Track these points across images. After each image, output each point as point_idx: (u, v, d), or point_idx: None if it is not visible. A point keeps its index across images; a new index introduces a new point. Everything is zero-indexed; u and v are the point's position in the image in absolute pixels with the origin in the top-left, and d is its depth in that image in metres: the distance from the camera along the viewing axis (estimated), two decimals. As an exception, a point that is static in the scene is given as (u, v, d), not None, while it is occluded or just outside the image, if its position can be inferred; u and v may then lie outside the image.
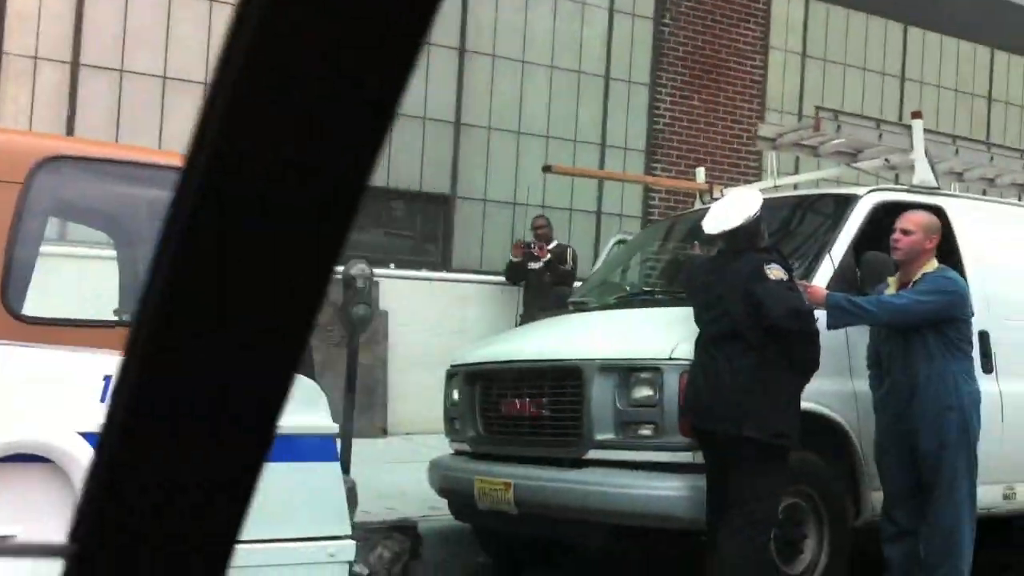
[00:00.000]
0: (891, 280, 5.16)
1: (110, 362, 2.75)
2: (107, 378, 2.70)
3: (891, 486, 5.09)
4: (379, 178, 10.10)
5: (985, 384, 5.49)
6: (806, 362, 4.73)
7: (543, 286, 9.45)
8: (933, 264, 5.10)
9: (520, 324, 9.45)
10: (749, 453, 4.56)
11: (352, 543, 2.95)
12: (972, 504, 4.98)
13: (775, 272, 4.66)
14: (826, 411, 5.15)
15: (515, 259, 9.75)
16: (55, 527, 2.54)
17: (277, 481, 2.84)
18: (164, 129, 9.13)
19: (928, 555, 4.90)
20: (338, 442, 6.06)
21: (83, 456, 2.52)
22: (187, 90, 9.28)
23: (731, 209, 4.97)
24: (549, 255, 9.62)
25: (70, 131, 8.72)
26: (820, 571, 5.13)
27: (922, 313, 4.94)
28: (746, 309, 4.66)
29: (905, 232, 5.07)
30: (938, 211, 5.88)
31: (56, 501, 2.53)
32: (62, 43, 8.86)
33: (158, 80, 9.23)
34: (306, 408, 2.92)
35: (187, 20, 9.30)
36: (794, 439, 4.69)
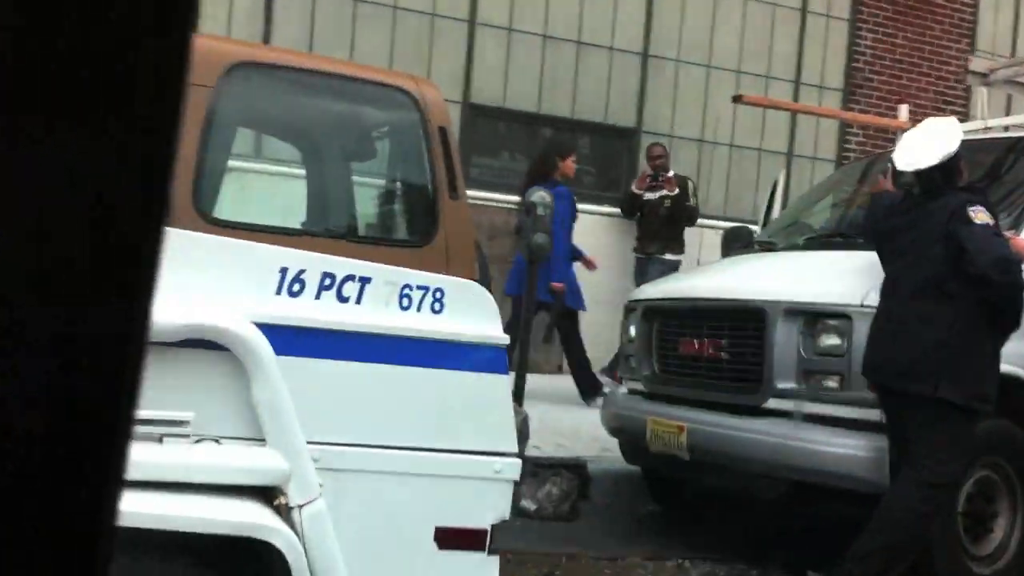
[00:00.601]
0: None
1: (288, 255, 2.71)
2: (283, 270, 2.68)
3: None
4: (564, 109, 9.99)
5: None
6: (1010, 318, 4.25)
7: (661, 220, 9.08)
8: None
9: (636, 263, 9.21)
10: (942, 415, 4.17)
11: (519, 461, 2.86)
12: None
13: (980, 215, 4.19)
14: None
15: (637, 191, 9.34)
16: (227, 415, 2.54)
17: (444, 389, 2.78)
18: (354, 52, 9.21)
19: None
20: (512, 357, 6.07)
21: (257, 345, 2.51)
22: (377, 13, 9.30)
23: (928, 143, 4.47)
24: (677, 188, 9.15)
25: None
26: (1011, 553, 4.74)
27: None
28: (946, 255, 4.22)
29: None
30: None
31: (229, 388, 2.53)
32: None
33: (350, 3, 9.28)
34: (477, 316, 2.83)
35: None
36: (991, 402, 4.26)
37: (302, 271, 2.70)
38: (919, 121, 7.90)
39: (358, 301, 2.73)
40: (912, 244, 4.40)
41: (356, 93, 4.91)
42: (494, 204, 8.52)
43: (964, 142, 6.17)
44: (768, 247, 6.05)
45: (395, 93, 4.86)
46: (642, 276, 8.66)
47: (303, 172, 5.24)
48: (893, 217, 4.61)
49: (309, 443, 2.54)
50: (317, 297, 2.70)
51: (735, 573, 5.01)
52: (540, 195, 6.43)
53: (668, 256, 8.96)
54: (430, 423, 2.75)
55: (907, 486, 4.22)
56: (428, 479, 2.73)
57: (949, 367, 4.17)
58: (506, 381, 2.89)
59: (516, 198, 7.80)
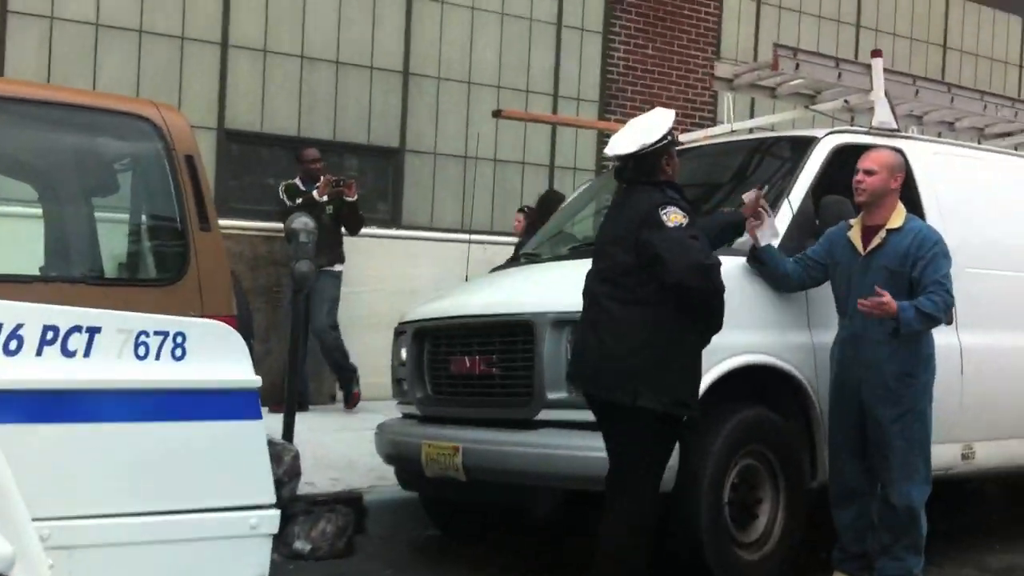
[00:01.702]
0: (854, 222, 4.91)
1: (2, 309, 2.47)
2: None
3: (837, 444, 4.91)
4: (325, 131, 9.82)
5: (945, 337, 5.31)
6: (711, 322, 4.12)
7: (326, 229, 8.11)
8: (902, 211, 4.84)
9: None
10: (641, 423, 4.03)
11: (276, 513, 2.70)
12: (928, 472, 4.79)
13: (674, 216, 3.99)
14: (784, 365, 4.94)
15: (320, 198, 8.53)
16: None
17: (190, 443, 2.61)
18: (97, 79, 8.76)
19: (887, 524, 4.71)
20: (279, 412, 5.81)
21: None
22: (121, 38, 8.90)
23: (632, 132, 4.23)
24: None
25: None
26: (776, 537, 4.89)
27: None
28: (635, 260, 4.05)
29: (868, 172, 4.81)
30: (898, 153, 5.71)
31: None
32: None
33: (91, 28, 8.82)
34: (226, 359, 2.67)
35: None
36: (694, 407, 4.15)
37: (19, 326, 2.46)
38: (672, 127, 8.19)
39: (87, 354, 2.52)
40: (607, 246, 4.26)
41: (94, 124, 4.61)
42: (255, 233, 8.27)
43: (714, 145, 6.50)
44: (534, 259, 6.10)
45: (136, 122, 4.60)
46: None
47: (40, 212, 4.89)
48: (607, 214, 4.48)
49: (35, 520, 2.30)
50: (39, 354, 2.47)
51: (515, 590, 4.99)
52: (302, 221, 6.28)
53: (337, 267, 8.52)
54: (176, 482, 2.57)
55: (620, 501, 4.12)
56: (176, 544, 2.55)
57: (647, 376, 4.01)
58: (260, 427, 2.73)
59: (279, 225, 7.61)
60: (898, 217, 4.82)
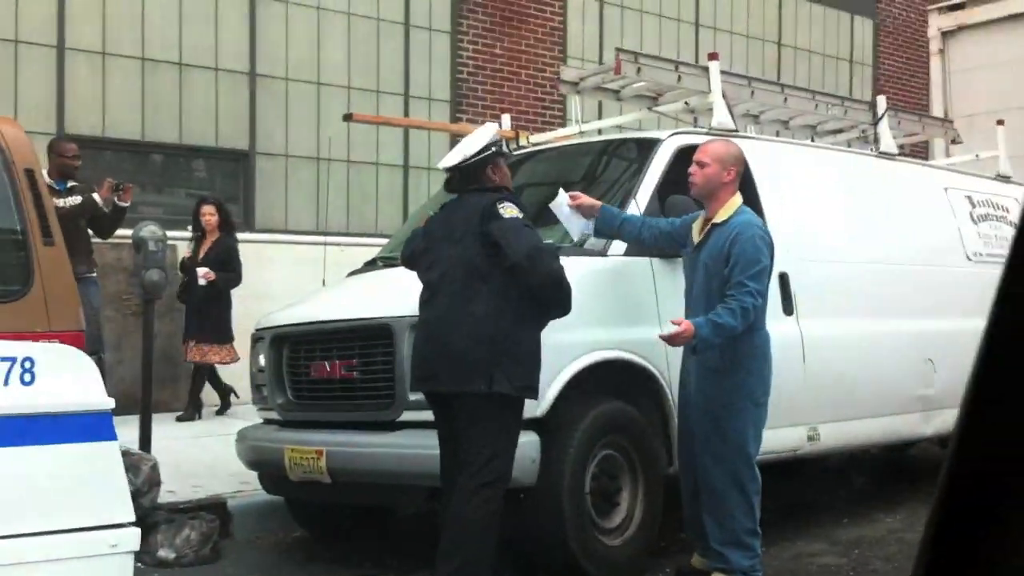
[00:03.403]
0: (701, 214, 4.91)
1: None
2: None
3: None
4: (170, 134, 9.61)
5: (785, 326, 5.59)
6: (552, 307, 4.34)
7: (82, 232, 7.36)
8: (733, 204, 4.78)
9: None
10: (495, 410, 4.22)
11: (136, 531, 2.69)
12: (747, 467, 4.77)
13: (510, 210, 4.28)
14: (636, 359, 5.10)
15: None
16: None
17: (46, 465, 2.57)
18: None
19: (707, 516, 4.78)
20: (136, 419, 5.74)
21: None
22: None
23: (460, 146, 4.54)
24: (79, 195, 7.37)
25: None
26: (636, 523, 5.08)
27: (766, 292, 4.69)
28: (482, 252, 4.28)
29: (700, 164, 4.80)
30: (737, 154, 5.95)
31: None
32: None
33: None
34: (75, 382, 2.63)
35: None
36: (537, 391, 4.36)
37: None
38: (522, 128, 8.34)
39: None
40: (446, 249, 4.44)
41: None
42: (101, 241, 8.01)
43: (564, 147, 6.64)
44: (390, 262, 6.12)
45: (-30, 136, 4.46)
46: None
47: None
48: (430, 225, 4.68)
49: None
50: None
51: (384, 587, 5.04)
52: (150, 230, 6.16)
53: (94, 273, 7.54)
54: (32, 505, 2.53)
55: (463, 499, 4.26)
56: (36, 566, 2.51)
57: (499, 361, 4.20)
58: (115, 447, 2.71)
59: (127, 232, 7.40)
60: (725, 212, 4.77)
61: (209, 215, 8.85)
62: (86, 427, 2.62)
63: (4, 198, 4.41)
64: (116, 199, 7.48)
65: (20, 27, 8.87)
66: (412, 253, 4.72)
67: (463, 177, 4.50)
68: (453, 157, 4.51)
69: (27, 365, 2.59)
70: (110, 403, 2.72)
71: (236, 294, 9.07)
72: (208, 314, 8.63)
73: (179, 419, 8.54)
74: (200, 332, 8.64)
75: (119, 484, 2.69)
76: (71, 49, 9.12)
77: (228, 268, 8.75)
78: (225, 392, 8.99)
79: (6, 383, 2.55)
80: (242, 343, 6.11)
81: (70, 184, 7.40)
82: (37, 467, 2.56)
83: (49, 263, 4.38)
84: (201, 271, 8.54)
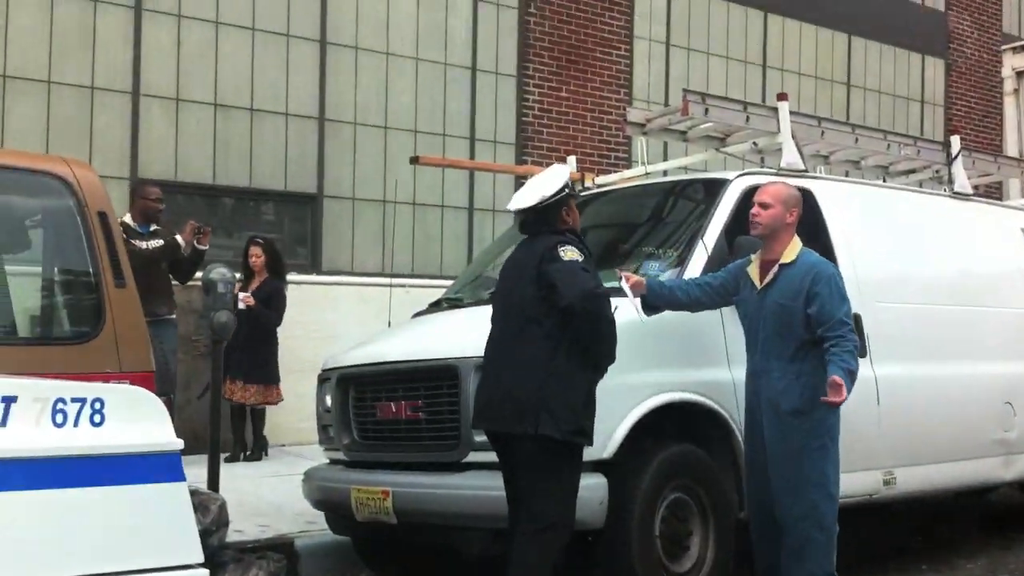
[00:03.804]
0: (753, 258, 4.96)
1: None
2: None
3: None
4: (241, 178, 9.76)
5: (859, 369, 5.48)
6: (597, 352, 4.33)
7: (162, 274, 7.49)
8: (797, 244, 4.86)
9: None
10: (544, 453, 4.23)
11: (205, 572, 2.69)
12: (830, 505, 4.76)
13: (569, 253, 4.31)
14: (706, 401, 5.04)
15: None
16: None
17: (116, 506, 2.58)
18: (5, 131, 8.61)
19: (785, 558, 4.74)
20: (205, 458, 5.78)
21: None
22: (29, 89, 8.77)
23: (531, 187, 4.58)
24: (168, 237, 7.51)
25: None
26: (708, 566, 5.00)
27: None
28: (538, 294, 4.32)
29: (763, 206, 4.85)
30: (807, 193, 5.86)
31: None
32: None
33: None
34: (145, 423, 2.64)
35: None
36: (591, 437, 4.38)
37: None
38: (587, 169, 8.32)
39: (3, 423, 2.47)
40: (510, 289, 4.53)
41: (5, 182, 4.55)
42: (173, 283, 8.13)
43: (630, 188, 6.61)
44: (455, 303, 6.13)
45: (47, 179, 4.56)
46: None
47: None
48: (504, 266, 4.75)
49: None
50: None
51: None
52: (220, 272, 6.23)
53: (174, 316, 7.61)
54: (101, 546, 2.53)
55: (523, 541, 4.27)
56: None
57: (547, 404, 4.22)
58: (183, 488, 2.71)
59: (197, 273, 7.52)
60: (791, 251, 4.84)
61: (255, 256, 8.83)
62: (155, 468, 2.64)
63: (77, 240, 4.49)
64: (196, 243, 7.62)
65: (96, 73, 9.10)
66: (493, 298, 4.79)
67: (536, 219, 4.53)
68: (530, 198, 4.52)
69: (97, 406, 2.61)
70: (179, 444, 2.73)
71: (302, 335, 9.14)
72: (254, 353, 8.55)
73: (247, 458, 8.57)
74: (243, 370, 8.56)
75: (188, 524, 2.69)
76: (146, 95, 9.32)
77: (270, 308, 8.70)
78: (242, 444, 8.82)
79: (76, 424, 2.57)
80: (310, 382, 6.13)
81: (153, 228, 7.53)
82: (107, 508, 2.57)
83: (120, 304, 4.43)
84: (242, 295, 8.32)
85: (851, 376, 4.61)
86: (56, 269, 4.73)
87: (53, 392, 2.56)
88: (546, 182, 4.57)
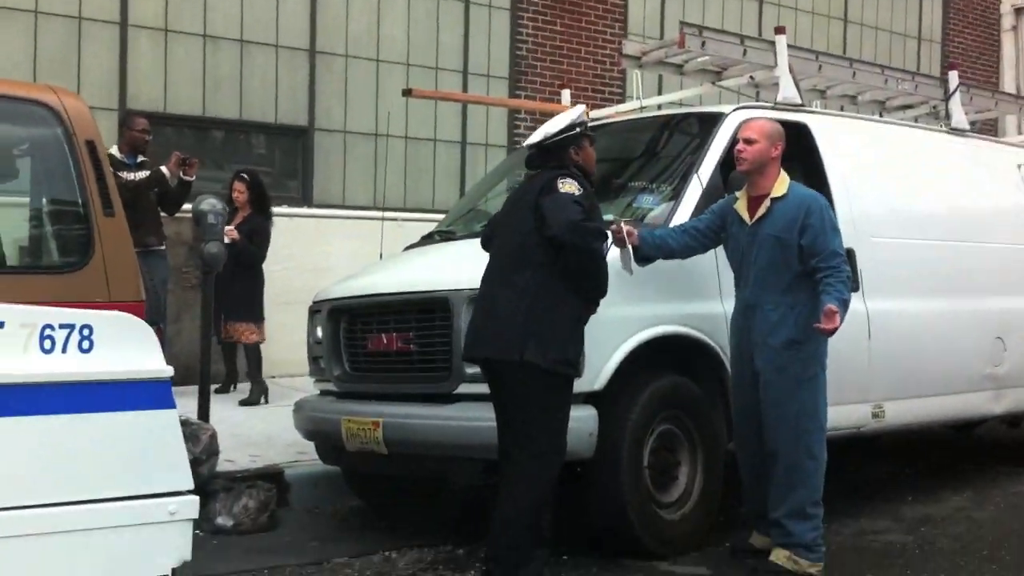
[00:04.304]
0: (739, 194, 4.95)
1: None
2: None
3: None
4: (231, 110, 9.66)
5: (851, 303, 5.48)
6: (586, 284, 4.37)
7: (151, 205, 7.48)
8: (785, 179, 4.85)
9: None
10: (531, 380, 4.26)
11: (195, 499, 2.69)
12: (820, 434, 4.78)
13: (566, 185, 4.32)
14: (695, 333, 5.06)
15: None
16: None
17: (106, 433, 2.58)
18: None
19: (774, 488, 4.76)
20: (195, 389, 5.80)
21: None
22: (15, 19, 8.64)
23: (546, 124, 4.63)
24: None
25: None
26: (695, 497, 5.06)
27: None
28: (533, 225, 4.35)
29: (748, 141, 4.84)
30: (803, 128, 5.84)
31: None
32: None
33: None
34: (134, 350, 2.63)
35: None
36: (579, 368, 4.42)
37: None
38: (578, 103, 8.25)
39: None
40: (508, 220, 4.57)
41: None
42: (161, 214, 8.08)
43: (625, 122, 6.55)
44: (448, 236, 6.10)
45: (35, 108, 4.49)
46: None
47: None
48: (506, 201, 4.80)
49: None
50: None
51: (442, 556, 5.03)
52: (210, 203, 6.19)
53: (163, 246, 7.66)
54: (91, 473, 2.53)
55: (515, 470, 4.32)
56: (95, 533, 2.52)
57: (534, 333, 4.26)
58: (174, 415, 2.71)
59: (187, 205, 7.47)
60: (781, 185, 4.84)
61: (239, 192, 8.52)
62: (145, 395, 2.62)
63: (65, 170, 4.44)
64: (182, 173, 7.56)
65: (83, 3, 8.96)
66: (489, 227, 4.81)
67: (544, 155, 4.56)
68: (536, 135, 4.58)
69: (85, 332, 2.59)
70: (169, 371, 2.72)
71: (293, 267, 9.11)
72: (237, 291, 8.22)
73: (243, 403, 8.35)
74: (226, 307, 8.20)
75: (178, 452, 2.69)
76: (134, 26, 9.19)
77: (252, 244, 8.38)
78: (232, 376, 8.68)
79: (64, 350, 2.55)
80: (300, 315, 6.13)
81: (140, 159, 7.49)
82: (96, 435, 2.56)
83: (109, 234, 4.40)
84: (227, 228, 7.79)
85: (844, 305, 4.64)
86: (44, 198, 4.68)
87: (41, 318, 2.54)
88: (555, 120, 4.62)
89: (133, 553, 2.57)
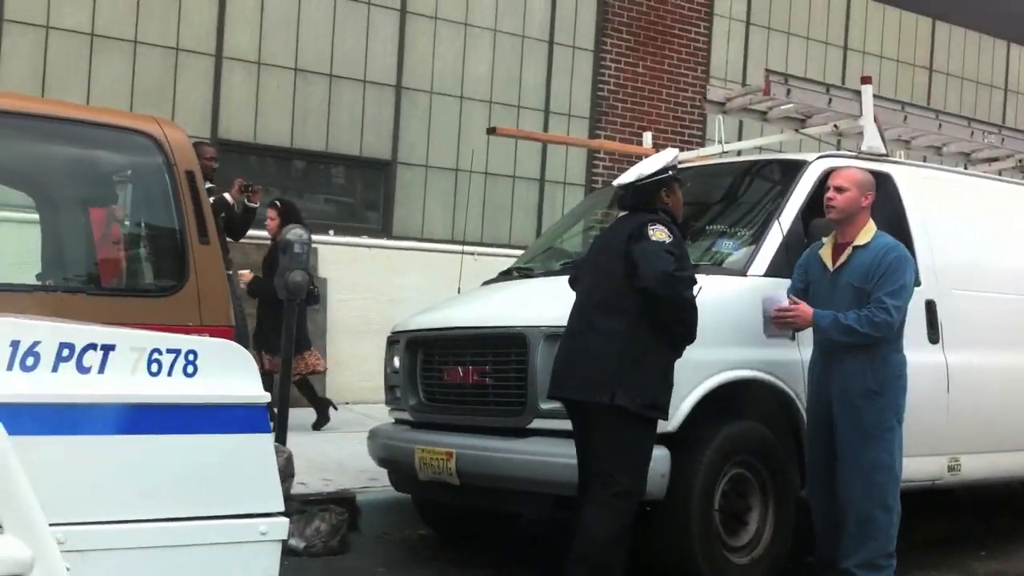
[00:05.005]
0: (826, 240, 4.97)
1: (19, 327, 2.54)
2: (14, 343, 2.50)
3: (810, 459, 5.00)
4: (318, 142, 9.91)
5: (931, 355, 5.47)
6: (676, 332, 4.40)
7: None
8: (872, 228, 4.88)
9: None
10: (620, 424, 4.32)
11: (285, 520, 2.77)
12: (894, 486, 4.79)
13: (657, 233, 4.34)
14: (770, 379, 5.04)
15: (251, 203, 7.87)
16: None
17: (204, 454, 2.69)
18: (92, 87, 8.82)
19: (847, 538, 4.75)
20: (273, 412, 5.96)
21: None
22: (116, 48, 8.97)
23: (640, 165, 4.68)
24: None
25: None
26: (765, 543, 5.04)
27: (904, 311, 4.72)
28: (623, 271, 4.38)
29: (839, 189, 4.86)
30: (886, 178, 5.83)
31: None
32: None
33: (86, 37, 8.89)
34: (234, 376, 2.74)
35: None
36: (666, 412, 4.46)
37: (36, 343, 2.52)
38: (661, 146, 8.33)
39: (101, 371, 2.57)
40: (599, 262, 4.60)
41: (96, 138, 4.69)
42: (247, 241, 8.31)
43: (707, 166, 6.60)
44: (526, 273, 6.19)
45: (138, 137, 4.69)
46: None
47: (38, 223, 4.95)
48: (594, 241, 4.84)
49: (53, 525, 2.37)
50: (54, 370, 2.53)
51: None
52: (296, 232, 6.35)
53: (231, 271, 7.48)
54: (188, 491, 2.63)
55: (594, 507, 4.35)
56: (188, 549, 2.61)
57: (624, 378, 4.29)
58: (268, 440, 2.81)
59: (257, 233, 7.67)
60: (866, 234, 4.85)
61: (271, 219, 8.23)
62: (243, 419, 2.72)
63: (165, 198, 4.61)
64: (246, 200, 7.76)
65: (181, 35, 9.27)
66: (575, 267, 4.86)
67: (634, 195, 4.60)
68: (629, 175, 4.62)
69: (190, 357, 2.70)
70: (266, 397, 2.81)
71: (370, 297, 9.24)
72: (270, 322, 7.84)
73: (314, 427, 8.39)
74: (267, 341, 7.94)
75: (271, 474, 2.77)
76: (228, 58, 9.48)
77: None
78: (322, 408, 8.44)
79: (170, 374, 2.66)
80: (375, 344, 6.24)
81: (208, 186, 7.64)
82: (196, 455, 2.65)
83: (204, 261, 4.55)
84: (242, 272, 7.88)
85: (837, 325, 4.67)
86: (143, 224, 4.86)
87: (149, 342, 2.66)
88: (649, 161, 4.67)
89: (225, 570, 2.66)
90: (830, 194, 4.90)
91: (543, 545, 5.90)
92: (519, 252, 7.62)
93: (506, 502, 5.27)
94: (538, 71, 11.11)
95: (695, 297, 4.41)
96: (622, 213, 4.75)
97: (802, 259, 5.08)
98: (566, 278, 5.05)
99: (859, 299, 4.76)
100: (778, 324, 4.84)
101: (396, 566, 5.47)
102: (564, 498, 4.73)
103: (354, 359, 8.92)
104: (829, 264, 4.89)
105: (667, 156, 4.72)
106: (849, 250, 4.84)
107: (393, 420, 5.95)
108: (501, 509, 5.58)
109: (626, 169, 4.87)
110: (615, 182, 4.72)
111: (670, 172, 4.61)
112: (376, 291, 9.53)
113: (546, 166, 11.09)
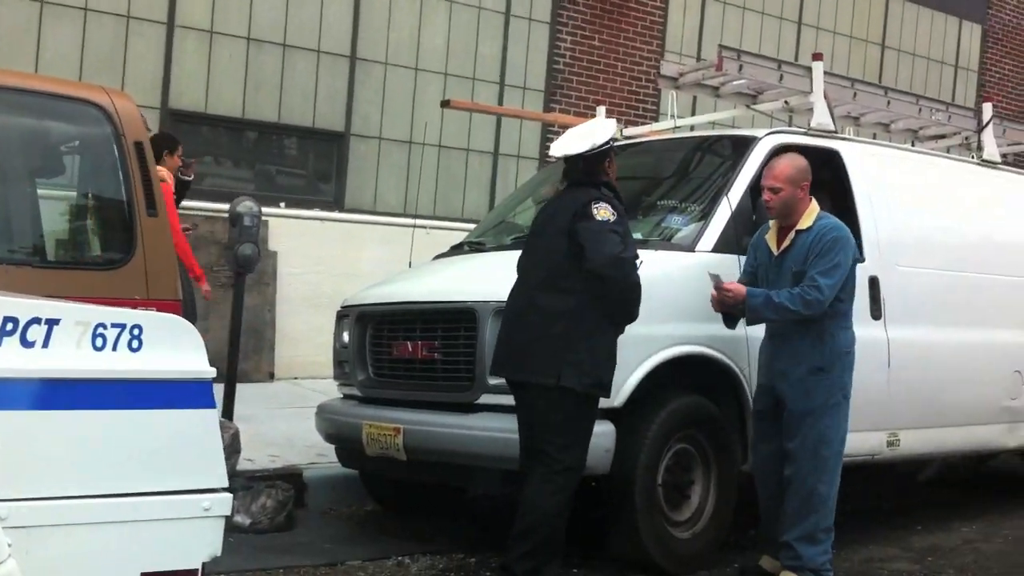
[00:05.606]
0: (771, 224, 4.97)
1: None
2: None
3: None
4: (270, 113, 9.82)
5: (872, 330, 5.55)
6: (621, 312, 4.44)
7: None
8: (814, 210, 4.86)
9: None
10: (563, 403, 4.37)
11: (229, 496, 2.77)
12: (837, 461, 4.85)
13: (602, 211, 4.35)
14: (715, 354, 5.10)
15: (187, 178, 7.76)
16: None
17: (148, 429, 2.68)
18: (40, 55, 8.68)
19: (788, 512, 4.82)
20: (220, 387, 5.92)
21: None
22: (66, 15, 8.83)
23: (581, 133, 4.63)
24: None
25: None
26: (707, 517, 5.11)
27: (835, 289, 4.72)
28: (567, 249, 4.39)
29: (773, 191, 4.82)
30: (834, 154, 5.90)
31: None
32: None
33: (35, 4, 8.73)
34: (180, 351, 2.73)
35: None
36: (609, 389, 4.51)
37: None
38: (617, 120, 8.34)
39: (45, 345, 2.55)
40: (541, 238, 4.60)
41: (43, 108, 4.62)
42: (197, 213, 8.24)
43: (658, 141, 6.64)
44: (477, 247, 6.20)
45: (86, 107, 4.62)
46: None
47: None
48: (537, 216, 4.83)
49: None
50: None
51: (454, 564, 5.11)
52: (247, 205, 6.33)
53: None
54: (132, 467, 2.62)
55: (537, 483, 4.41)
56: (132, 525, 2.60)
57: (569, 357, 4.34)
58: (214, 415, 2.80)
59: (223, 206, 7.60)
60: (808, 217, 4.85)
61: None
62: (188, 394, 2.70)
63: (113, 170, 4.56)
64: (180, 173, 7.70)
65: (132, 3, 9.14)
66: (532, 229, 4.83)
67: (583, 167, 4.58)
68: (580, 145, 4.55)
69: (135, 332, 2.68)
70: (212, 372, 2.80)
71: (323, 270, 9.21)
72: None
73: None
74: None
75: (215, 450, 2.77)
76: (180, 26, 9.36)
77: None
78: None
79: (115, 348, 2.65)
80: (327, 317, 6.23)
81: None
82: (140, 431, 2.64)
83: (152, 234, 4.52)
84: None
85: (769, 303, 4.70)
86: (90, 195, 4.81)
87: (94, 317, 2.64)
88: (596, 131, 4.63)
89: (168, 546, 2.66)
90: (766, 195, 4.87)
91: (489, 520, 5.95)
92: (472, 226, 7.62)
93: (453, 477, 5.30)
94: (494, 43, 11.07)
95: (639, 278, 4.43)
96: (564, 185, 4.72)
97: (753, 239, 5.11)
98: (517, 253, 5.02)
99: (800, 281, 4.78)
100: (715, 303, 4.87)
101: (343, 542, 5.48)
102: (512, 473, 4.77)
103: (306, 333, 8.90)
104: (774, 248, 4.92)
105: (612, 125, 4.73)
106: (792, 234, 4.86)
107: (341, 395, 5.94)
108: (448, 484, 5.60)
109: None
110: (559, 152, 4.63)
111: (612, 141, 4.64)
112: (328, 264, 9.50)
113: (500, 139, 11.08)
